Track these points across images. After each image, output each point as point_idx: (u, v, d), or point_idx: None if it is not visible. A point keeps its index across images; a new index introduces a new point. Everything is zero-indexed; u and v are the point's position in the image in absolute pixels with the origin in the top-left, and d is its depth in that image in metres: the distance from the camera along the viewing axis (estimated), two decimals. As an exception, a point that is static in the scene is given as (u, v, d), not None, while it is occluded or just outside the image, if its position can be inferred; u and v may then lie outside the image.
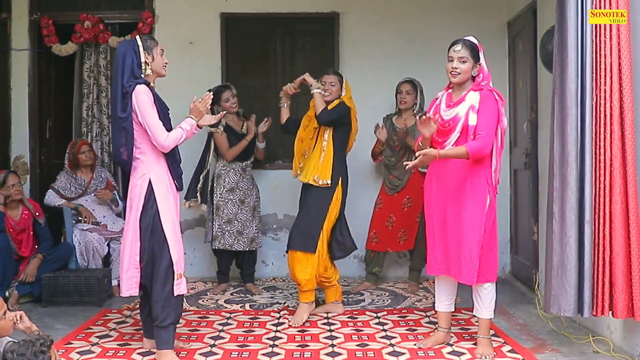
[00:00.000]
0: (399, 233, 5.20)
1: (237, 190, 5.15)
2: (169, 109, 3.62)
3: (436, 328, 3.83)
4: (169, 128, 3.52)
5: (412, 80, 5.21)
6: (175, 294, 3.46)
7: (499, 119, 3.49)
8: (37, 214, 5.06)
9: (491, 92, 3.52)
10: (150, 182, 3.47)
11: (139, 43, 3.52)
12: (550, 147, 3.52)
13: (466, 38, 3.59)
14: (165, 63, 3.62)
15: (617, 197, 3.27)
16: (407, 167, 3.69)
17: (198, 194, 5.09)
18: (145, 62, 3.51)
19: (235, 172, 5.17)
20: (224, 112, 4.63)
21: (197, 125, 3.60)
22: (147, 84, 3.49)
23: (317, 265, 4.31)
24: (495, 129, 3.49)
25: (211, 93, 3.67)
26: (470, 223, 3.48)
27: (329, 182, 4.34)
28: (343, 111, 4.44)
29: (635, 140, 3.28)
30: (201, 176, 5.12)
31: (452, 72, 3.55)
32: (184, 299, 4.83)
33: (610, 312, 3.35)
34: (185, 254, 3.77)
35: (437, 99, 3.72)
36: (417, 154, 3.53)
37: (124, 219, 5.20)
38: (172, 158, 3.57)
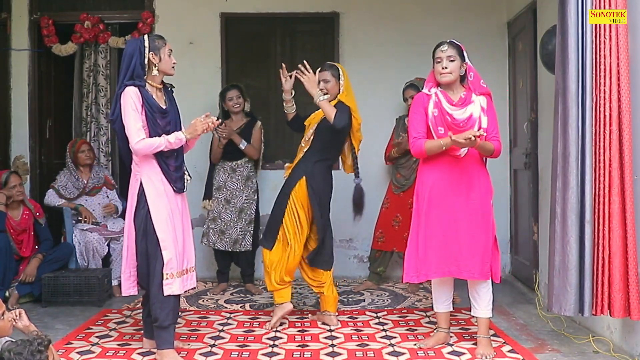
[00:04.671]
0: (404, 233, 5.18)
1: (223, 189, 5.16)
2: (166, 112, 3.54)
3: (436, 328, 3.82)
4: (156, 132, 3.45)
5: (413, 83, 5.20)
6: (164, 294, 3.43)
7: None
8: (37, 214, 5.07)
9: (490, 96, 3.62)
10: (141, 182, 3.48)
11: (146, 43, 3.50)
12: (553, 148, 3.53)
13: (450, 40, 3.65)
14: (174, 63, 3.60)
15: (615, 197, 3.29)
16: (452, 139, 3.39)
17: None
18: (152, 62, 3.49)
19: (224, 172, 5.18)
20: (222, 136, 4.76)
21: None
22: (141, 86, 3.45)
23: (281, 263, 4.13)
24: None
25: (218, 120, 3.68)
26: (483, 220, 3.54)
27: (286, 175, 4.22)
28: (346, 112, 4.13)
29: (632, 141, 3.30)
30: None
31: (443, 73, 3.56)
32: (184, 299, 4.86)
33: (609, 311, 3.36)
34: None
35: (428, 96, 3.61)
36: (464, 136, 3.34)
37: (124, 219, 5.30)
38: (163, 161, 3.51)
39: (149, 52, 3.49)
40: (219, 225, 5.15)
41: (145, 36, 3.57)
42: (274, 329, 4.11)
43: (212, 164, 5.29)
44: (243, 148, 5.09)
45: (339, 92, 4.22)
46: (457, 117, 3.55)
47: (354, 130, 4.27)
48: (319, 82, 4.20)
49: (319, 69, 4.28)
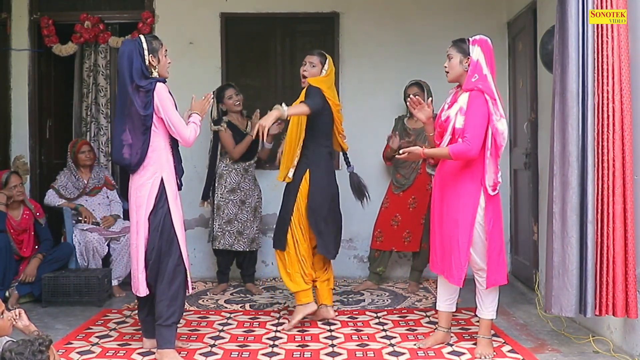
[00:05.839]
0: (403, 233, 5.21)
1: (238, 190, 5.15)
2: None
3: (436, 327, 3.82)
4: None
5: (418, 81, 5.21)
6: (189, 292, 3.54)
7: (489, 120, 3.40)
8: (37, 214, 5.07)
9: (481, 91, 3.42)
10: (162, 180, 3.48)
11: (145, 46, 3.48)
12: (550, 147, 3.52)
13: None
14: (169, 63, 3.61)
15: (618, 198, 3.30)
16: (395, 158, 3.70)
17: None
18: (151, 64, 3.50)
19: (237, 173, 5.16)
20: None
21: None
22: (164, 82, 3.51)
23: (293, 262, 4.11)
24: (485, 130, 3.40)
25: (213, 93, 3.70)
26: (461, 225, 3.47)
27: (291, 175, 4.13)
28: (317, 93, 4.06)
29: (633, 141, 3.30)
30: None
31: (445, 72, 3.62)
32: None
33: (612, 311, 3.36)
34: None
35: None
36: (401, 152, 3.60)
37: (124, 218, 5.29)
38: (177, 157, 3.61)
39: (149, 54, 3.49)
40: (236, 226, 5.12)
41: (142, 37, 3.54)
42: (284, 330, 4.11)
43: (212, 164, 5.20)
44: (269, 148, 5.18)
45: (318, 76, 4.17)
46: (442, 118, 3.58)
47: (333, 111, 4.20)
48: (305, 64, 4.21)
49: (310, 51, 4.31)
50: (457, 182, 3.51)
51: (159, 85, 3.44)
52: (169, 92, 3.51)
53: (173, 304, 3.47)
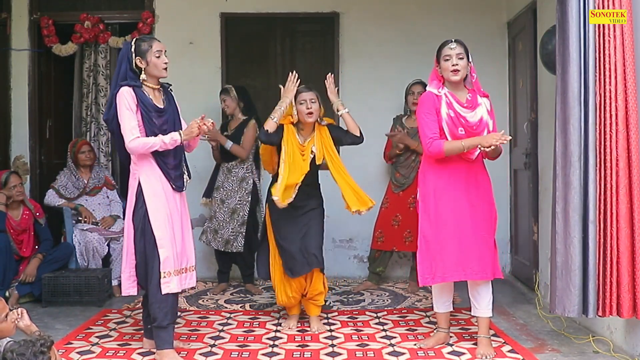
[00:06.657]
0: (404, 233, 5.20)
1: (220, 189, 5.19)
2: (162, 111, 3.54)
3: (436, 328, 3.83)
4: (152, 131, 3.46)
5: (423, 81, 5.21)
6: (162, 293, 3.44)
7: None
8: (37, 214, 5.07)
9: (489, 98, 3.66)
10: (139, 182, 3.49)
11: (132, 49, 3.49)
12: (553, 148, 3.52)
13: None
14: (165, 63, 3.54)
15: (623, 197, 3.28)
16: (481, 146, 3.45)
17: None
18: (138, 67, 3.49)
19: (222, 172, 5.23)
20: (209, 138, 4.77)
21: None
22: (136, 86, 3.46)
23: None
24: None
25: (213, 122, 3.61)
26: (491, 220, 3.60)
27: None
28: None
29: (639, 140, 3.27)
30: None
31: (454, 70, 3.52)
32: (184, 299, 4.87)
33: (617, 312, 3.34)
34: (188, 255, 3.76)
35: (439, 97, 3.56)
36: (488, 142, 3.40)
37: (124, 218, 5.29)
38: (161, 159, 3.52)
39: (136, 57, 3.49)
40: (214, 224, 5.18)
41: (134, 40, 3.54)
42: (276, 330, 4.12)
43: (217, 164, 5.33)
44: (228, 148, 5.08)
45: (320, 114, 4.11)
46: (470, 119, 3.52)
47: None
48: (305, 102, 4.02)
49: (303, 89, 4.07)
50: (482, 180, 3.61)
51: (121, 89, 3.43)
52: (139, 96, 3.43)
53: (164, 305, 3.46)
